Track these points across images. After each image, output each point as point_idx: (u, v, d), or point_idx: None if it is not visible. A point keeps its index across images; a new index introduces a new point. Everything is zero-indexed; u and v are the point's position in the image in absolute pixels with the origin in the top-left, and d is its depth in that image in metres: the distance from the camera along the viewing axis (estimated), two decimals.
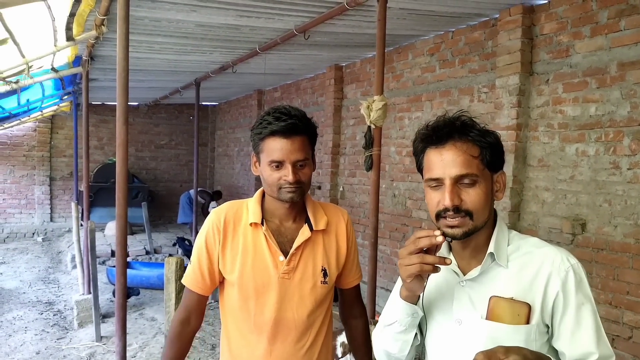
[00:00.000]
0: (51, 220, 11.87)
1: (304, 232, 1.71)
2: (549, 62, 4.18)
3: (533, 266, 1.24)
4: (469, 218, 1.22)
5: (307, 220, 1.74)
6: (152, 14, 4.32)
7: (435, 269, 1.18)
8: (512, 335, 1.19)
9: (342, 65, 7.20)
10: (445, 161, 1.23)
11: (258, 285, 1.67)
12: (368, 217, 4.41)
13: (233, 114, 11.99)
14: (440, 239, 1.16)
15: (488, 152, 1.25)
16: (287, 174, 1.60)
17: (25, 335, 5.38)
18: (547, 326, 1.23)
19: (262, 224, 1.69)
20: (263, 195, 1.76)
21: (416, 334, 1.36)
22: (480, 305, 1.25)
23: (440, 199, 1.23)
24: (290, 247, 1.69)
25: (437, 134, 1.26)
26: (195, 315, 1.75)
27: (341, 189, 7.27)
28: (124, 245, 2.74)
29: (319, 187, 7.58)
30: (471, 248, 1.29)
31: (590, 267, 3.87)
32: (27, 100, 7.97)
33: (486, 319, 1.22)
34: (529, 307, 1.20)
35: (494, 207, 1.34)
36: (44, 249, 10.39)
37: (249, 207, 1.73)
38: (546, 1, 4.20)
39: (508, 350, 1.02)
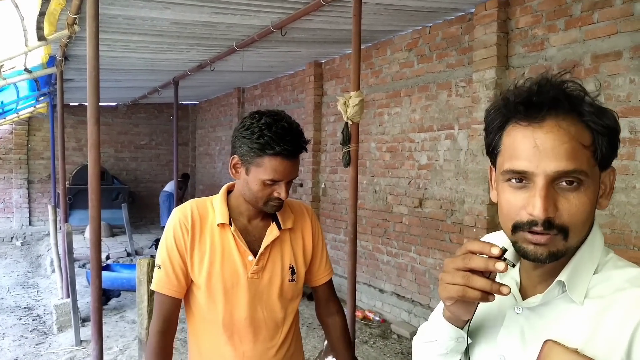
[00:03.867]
0: (30, 224, 11.69)
1: (273, 231, 1.69)
2: (525, 55, 4.21)
3: (620, 311, 0.83)
4: (562, 236, 0.84)
5: (274, 219, 1.72)
6: (125, 12, 4.26)
7: (485, 297, 0.85)
8: None
9: (322, 61, 7.18)
10: (542, 148, 0.83)
11: (227, 286, 1.64)
12: None
13: (213, 112, 11.91)
14: (501, 266, 0.82)
15: (605, 140, 0.86)
16: (281, 191, 1.58)
17: (3, 341, 5.28)
18: None
19: (230, 224, 1.66)
20: (227, 192, 1.73)
21: None
22: (532, 345, 0.90)
23: (527, 204, 0.84)
24: (258, 246, 1.67)
25: (534, 103, 0.85)
26: (174, 323, 1.67)
27: (323, 186, 7.26)
28: (98, 248, 2.69)
29: (301, 185, 7.56)
30: (542, 270, 0.93)
31: None
32: (2, 102, 7.82)
33: None
34: None
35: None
36: (23, 253, 10.21)
37: (215, 207, 1.68)
38: None
39: None
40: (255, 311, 1.66)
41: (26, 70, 5.70)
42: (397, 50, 5.73)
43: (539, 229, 0.83)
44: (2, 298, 6.91)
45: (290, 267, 1.72)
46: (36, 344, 5.21)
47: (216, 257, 1.64)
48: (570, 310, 0.89)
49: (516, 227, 0.86)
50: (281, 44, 5.64)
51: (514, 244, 0.89)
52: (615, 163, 0.94)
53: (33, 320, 5.99)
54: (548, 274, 0.92)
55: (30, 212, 11.69)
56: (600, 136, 0.85)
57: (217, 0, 4.07)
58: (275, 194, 1.59)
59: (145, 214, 12.51)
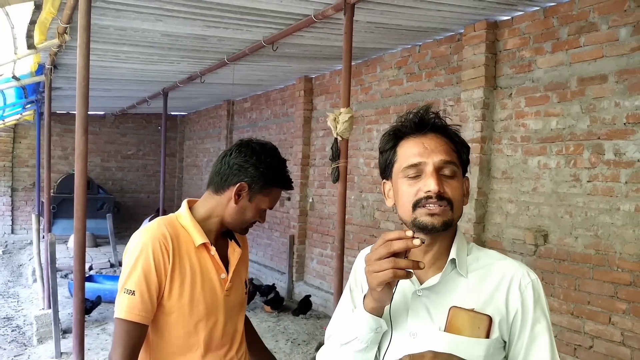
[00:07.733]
0: (12, 232, 11.52)
1: (236, 249, 1.77)
2: (512, 76, 4.27)
3: (493, 279, 1.19)
4: (450, 208, 1.15)
5: (231, 237, 1.79)
6: (116, 22, 4.26)
7: (408, 275, 1.06)
8: (471, 349, 1.12)
9: (312, 77, 7.22)
10: (429, 147, 1.18)
11: (209, 306, 1.66)
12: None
13: (202, 124, 11.89)
14: (417, 242, 1.04)
15: (463, 150, 1.24)
16: (264, 217, 1.75)
17: None
18: (504, 342, 1.18)
19: (211, 244, 1.68)
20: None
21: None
22: (438, 317, 1.17)
23: (423, 186, 1.15)
24: (225, 263, 1.73)
25: (420, 122, 1.21)
26: (139, 352, 1.59)
27: (310, 200, 7.26)
28: (82, 259, 2.66)
29: (289, 199, 7.55)
30: (432, 254, 1.21)
31: (552, 278, 3.93)
32: None
33: (445, 330, 1.15)
34: (490, 319, 1.14)
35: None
36: (4, 261, 10.04)
37: (186, 226, 1.66)
38: (509, 17, 4.30)
39: (436, 356, 1.04)
40: (228, 325, 1.73)
41: (14, 77, 5.66)
42: (386, 68, 5.79)
43: (433, 200, 1.13)
44: None
45: (244, 280, 1.84)
46: (15, 356, 5.11)
47: (197, 279, 1.64)
48: (460, 283, 1.19)
49: (416, 205, 1.16)
50: (272, 59, 5.67)
51: (414, 220, 1.16)
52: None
53: (12, 330, 5.87)
54: (435, 258, 1.21)
55: (12, 220, 11.53)
56: (460, 146, 1.23)
57: (210, 14, 4.09)
58: (259, 220, 1.72)
59: (130, 225, 12.34)
